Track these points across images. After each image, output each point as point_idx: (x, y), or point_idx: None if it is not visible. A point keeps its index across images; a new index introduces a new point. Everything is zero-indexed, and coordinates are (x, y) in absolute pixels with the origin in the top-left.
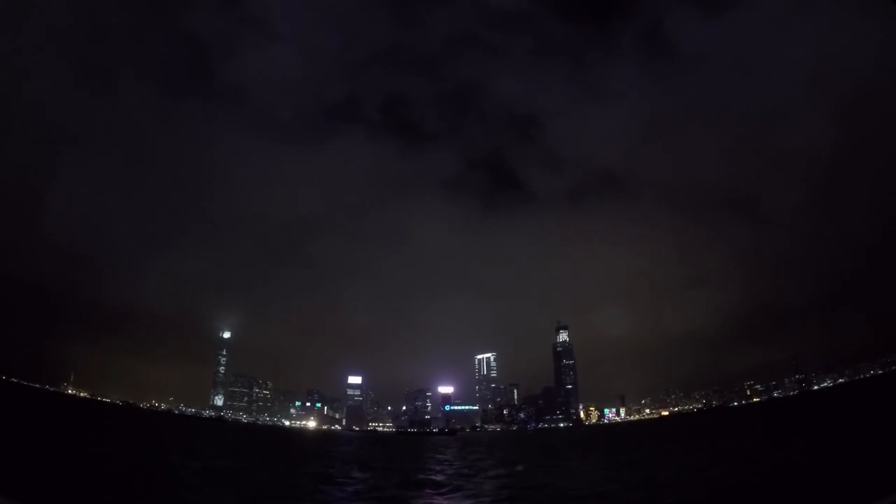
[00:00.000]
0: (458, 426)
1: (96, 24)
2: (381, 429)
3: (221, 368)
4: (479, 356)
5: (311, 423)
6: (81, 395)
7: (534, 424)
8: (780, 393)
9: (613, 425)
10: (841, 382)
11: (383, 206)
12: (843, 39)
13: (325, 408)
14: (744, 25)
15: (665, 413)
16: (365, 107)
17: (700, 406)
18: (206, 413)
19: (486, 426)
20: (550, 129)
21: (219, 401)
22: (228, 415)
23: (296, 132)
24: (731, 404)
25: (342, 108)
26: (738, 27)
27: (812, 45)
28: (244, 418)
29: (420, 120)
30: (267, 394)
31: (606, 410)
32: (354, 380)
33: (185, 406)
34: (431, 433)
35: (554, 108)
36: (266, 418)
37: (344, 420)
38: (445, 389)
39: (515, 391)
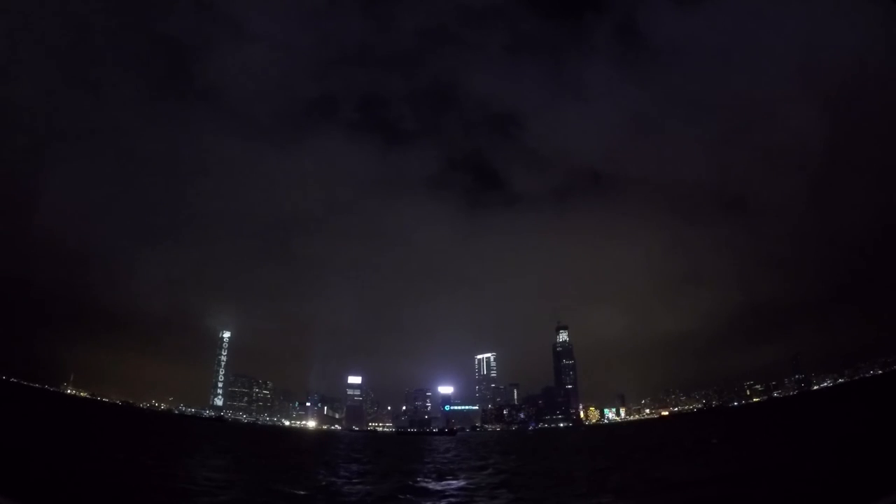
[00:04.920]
0: (458, 426)
1: (78, 25)
2: (380, 429)
3: (221, 368)
4: (479, 356)
5: (311, 423)
6: (81, 394)
7: (534, 424)
8: (779, 393)
9: (614, 425)
10: (841, 382)
11: (368, 205)
12: (829, 30)
13: (325, 408)
14: (721, 17)
15: (665, 413)
16: (342, 105)
17: (700, 406)
18: (206, 413)
19: (486, 426)
20: (530, 127)
21: (219, 401)
22: (228, 415)
23: (274, 131)
24: (731, 404)
25: (319, 107)
26: (716, 19)
27: (796, 37)
28: (244, 418)
29: (398, 118)
30: (267, 394)
31: (606, 410)
32: (354, 380)
33: (185, 406)
34: (431, 433)
35: (532, 105)
36: (266, 418)
37: (344, 420)
38: (445, 389)
39: (515, 391)
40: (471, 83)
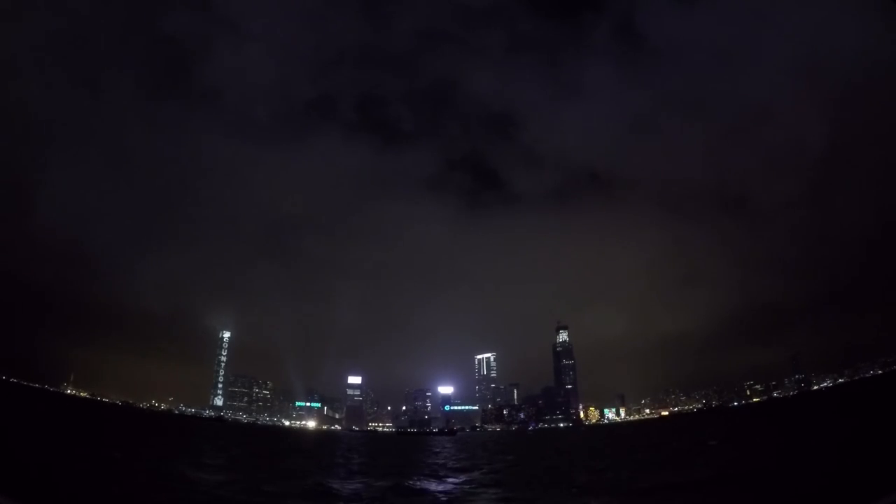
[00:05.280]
0: (458, 426)
1: (80, 27)
2: (380, 429)
3: (221, 368)
4: (479, 356)
5: (311, 424)
6: (81, 395)
7: (534, 425)
8: (780, 393)
9: (614, 426)
10: (841, 382)
11: (367, 205)
12: (829, 30)
13: (325, 408)
14: (720, 17)
15: (665, 413)
16: (340, 106)
17: (700, 406)
18: (206, 413)
19: (486, 426)
20: (528, 127)
21: (219, 401)
22: (228, 415)
23: (272, 132)
24: (731, 404)
25: (317, 108)
26: (715, 18)
27: (796, 37)
28: (244, 418)
29: (396, 119)
30: (267, 394)
31: (606, 410)
32: (354, 380)
33: (185, 406)
34: (431, 433)
35: (531, 105)
36: (266, 418)
37: (344, 420)
38: (445, 389)
39: (515, 391)
40: (469, 83)
